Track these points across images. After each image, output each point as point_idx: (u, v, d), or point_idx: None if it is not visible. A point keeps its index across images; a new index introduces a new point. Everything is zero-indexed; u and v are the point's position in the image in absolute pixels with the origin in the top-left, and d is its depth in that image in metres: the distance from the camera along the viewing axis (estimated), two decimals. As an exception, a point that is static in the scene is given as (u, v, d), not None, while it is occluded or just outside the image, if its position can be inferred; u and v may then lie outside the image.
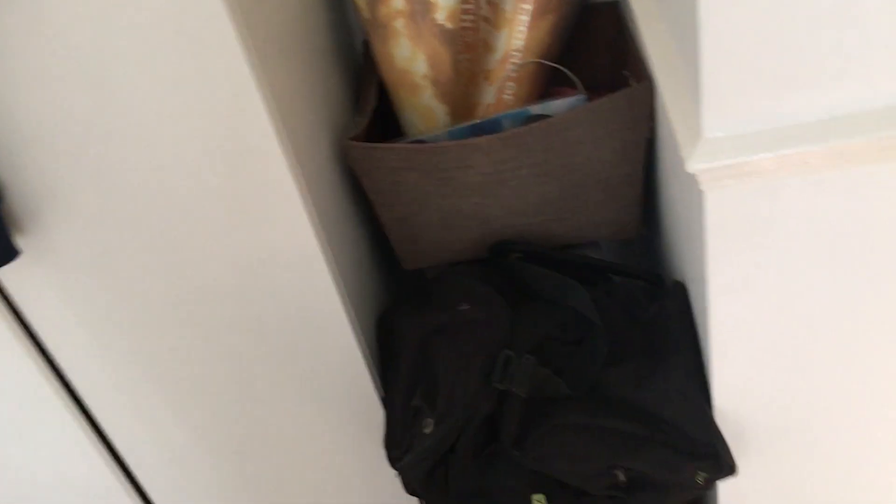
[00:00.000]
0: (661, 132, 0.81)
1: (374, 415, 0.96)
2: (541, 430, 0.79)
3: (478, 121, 0.91)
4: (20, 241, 0.77)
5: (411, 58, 0.89)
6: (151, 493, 1.04)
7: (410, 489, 0.85)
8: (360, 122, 0.89)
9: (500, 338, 0.80)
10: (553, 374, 0.79)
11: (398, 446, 0.89)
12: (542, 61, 0.92)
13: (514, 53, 0.91)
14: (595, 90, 0.91)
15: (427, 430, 0.81)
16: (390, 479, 1.03)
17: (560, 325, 0.85)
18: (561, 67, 0.92)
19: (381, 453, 1.00)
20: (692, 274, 0.78)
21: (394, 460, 0.90)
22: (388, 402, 0.93)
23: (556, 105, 0.89)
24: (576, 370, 0.82)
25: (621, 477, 0.79)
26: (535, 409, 0.80)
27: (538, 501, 0.82)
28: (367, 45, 0.94)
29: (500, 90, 0.93)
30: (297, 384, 0.92)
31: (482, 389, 0.77)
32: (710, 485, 0.79)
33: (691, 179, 0.65)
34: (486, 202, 0.89)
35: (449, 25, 0.87)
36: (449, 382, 0.80)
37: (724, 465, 0.77)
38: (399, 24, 0.86)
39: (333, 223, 0.85)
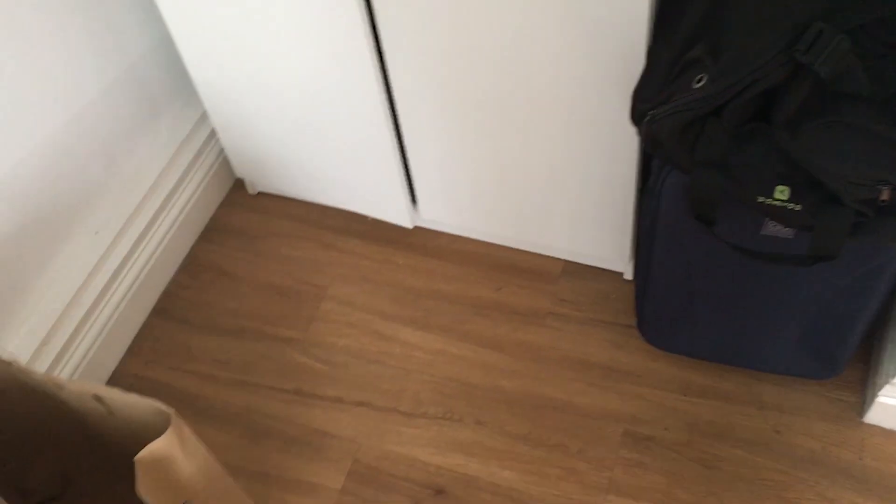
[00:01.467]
0: None
1: (631, 65, 0.92)
2: (821, 120, 0.73)
3: None
4: None
5: None
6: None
7: (653, 141, 0.83)
8: None
9: (816, 9, 0.72)
10: (861, 66, 0.71)
11: (650, 99, 0.85)
12: None
13: None
14: None
15: (698, 85, 0.76)
16: (619, 132, 1.01)
17: (882, 23, 0.75)
18: None
19: (620, 105, 0.97)
20: None
21: (639, 113, 0.87)
22: (654, 51, 0.88)
23: None
24: (882, 72, 0.74)
25: (884, 196, 0.73)
26: (823, 97, 0.73)
27: (780, 192, 0.79)
28: None
29: None
30: (570, 9, 0.88)
31: (779, 56, 0.71)
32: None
33: None
34: None
35: None
36: (744, 40, 0.74)
37: None
38: None
39: None
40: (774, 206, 0.80)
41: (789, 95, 0.73)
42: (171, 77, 1.31)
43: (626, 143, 1.02)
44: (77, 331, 1.17)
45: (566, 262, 1.30)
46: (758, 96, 0.75)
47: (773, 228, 0.89)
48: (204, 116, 1.38)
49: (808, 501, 1.04)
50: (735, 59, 0.73)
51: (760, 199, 0.80)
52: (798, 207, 0.79)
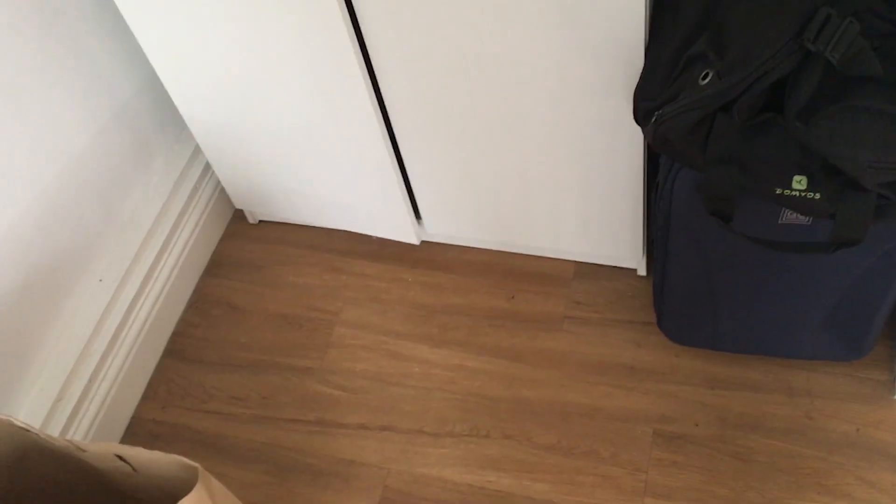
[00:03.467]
0: None
1: (630, 63, 0.90)
2: (835, 106, 0.71)
3: None
4: None
5: None
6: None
7: (661, 141, 0.81)
8: None
9: (822, -6, 0.70)
10: (871, 48, 0.69)
11: (653, 97, 0.83)
12: None
13: None
14: None
15: (705, 81, 0.74)
16: (621, 131, 0.99)
17: (887, 1, 0.73)
18: None
19: (621, 104, 0.95)
20: None
21: (643, 111, 0.86)
22: (653, 48, 0.86)
23: None
24: (892, 52, 0.72)
25: (906, 177, 0.72)
26: (835, 83, 0.71)
27: (798, 182, 0.77)
28: None
29: None
30: (563, 8, 0.86)
31: (788, 46, 0.69)
32: None
33: None
34: None
35: None
36: (749, 32, 0.72)
37: None
38: None
39: None
40: (793, 196, 0.78)
41: (800, 84, 0.71)
42: (161, 116, 1.29)
43: (629, 141, 1.00)
44: (91, 382, 1.15)
45: (577, 263, 1.28)
46: (768, 87, 0.73)
47: (790, 217, 0.87)
48: (197, 151, 1.36)
49: (849, 486, 1.02)
50: (742, 52, 0.71)
51: (778, 191, 0.78)
52: (817, 196, 0.77)
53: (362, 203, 1.25)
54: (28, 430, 0.83)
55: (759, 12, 0.72)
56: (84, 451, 0.82)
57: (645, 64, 0.88)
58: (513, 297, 1.26)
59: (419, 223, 1.29)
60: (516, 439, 1.13)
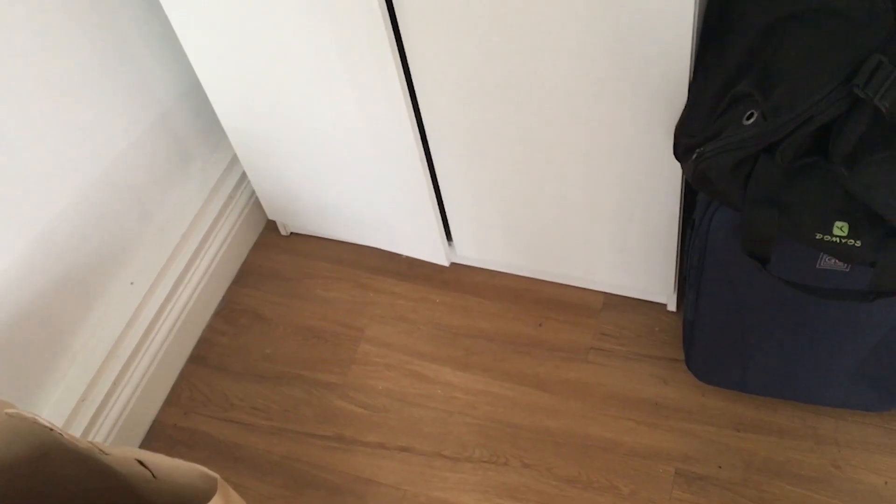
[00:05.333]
0: None
1: (673, 98, 0.89)
2: (881, 154, 0.70)
3: None
4: None
5: None
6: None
7: (701, 179, 0.80)
8: None
9: (874, 40, 0.69)
10: (922, 98, 0.68)
11: (695, 134, 0.83)
12: None
13: None
14: None
15: (749, 122, 0.74)
16: (661, 164, 0.99)
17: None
18: None
19: (662, 138, 0.95)
20: None
21: (684, 147, 0.85)
22: (697, 85, 0.86)
23: None
24: (943, 102, 0.71)
25: (951, 230, 0.70)
26: (880, 131, 0.70)
27: (839, 228, 0.76)
28: None
29: None
30: (609, 40, 0.86)
31: (836, 91, 0.68)
32: None
33: None
34: None
35: None
36: (796, 74, 0.71)
37: None
38: None
39: None
40: (833, 242, 0.77)
41: (847, 130, 0.70)
42: (201, 123, 1.30)
43: (667, 176, 1.00)
44: (115, 384, 1.15)
45: (607, 294, 1.27)
46: (813, 131, 0.72)
47: (828, 262, 0.86)
48: (234, 160, 1.37)
49: (874, 540, 1.00)
50: (789, 94, 0.71)
51: (818, 236, 0.77)
52: (858, 243, 0.76)
53: (394, 222, 1.26)
54: (52, 430, 0.83)
55: (808, 55, 0.72)
56: (106, 454, 0.82)
57: (688, 99, 0.87)
58: (540, 325, 1.25)
59: (450, 245, 1.29)
60: (536, 469, 1.11)
